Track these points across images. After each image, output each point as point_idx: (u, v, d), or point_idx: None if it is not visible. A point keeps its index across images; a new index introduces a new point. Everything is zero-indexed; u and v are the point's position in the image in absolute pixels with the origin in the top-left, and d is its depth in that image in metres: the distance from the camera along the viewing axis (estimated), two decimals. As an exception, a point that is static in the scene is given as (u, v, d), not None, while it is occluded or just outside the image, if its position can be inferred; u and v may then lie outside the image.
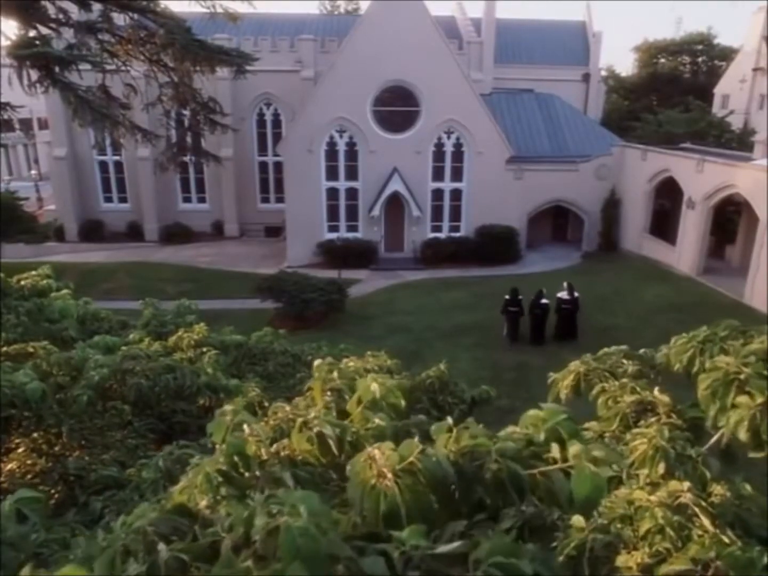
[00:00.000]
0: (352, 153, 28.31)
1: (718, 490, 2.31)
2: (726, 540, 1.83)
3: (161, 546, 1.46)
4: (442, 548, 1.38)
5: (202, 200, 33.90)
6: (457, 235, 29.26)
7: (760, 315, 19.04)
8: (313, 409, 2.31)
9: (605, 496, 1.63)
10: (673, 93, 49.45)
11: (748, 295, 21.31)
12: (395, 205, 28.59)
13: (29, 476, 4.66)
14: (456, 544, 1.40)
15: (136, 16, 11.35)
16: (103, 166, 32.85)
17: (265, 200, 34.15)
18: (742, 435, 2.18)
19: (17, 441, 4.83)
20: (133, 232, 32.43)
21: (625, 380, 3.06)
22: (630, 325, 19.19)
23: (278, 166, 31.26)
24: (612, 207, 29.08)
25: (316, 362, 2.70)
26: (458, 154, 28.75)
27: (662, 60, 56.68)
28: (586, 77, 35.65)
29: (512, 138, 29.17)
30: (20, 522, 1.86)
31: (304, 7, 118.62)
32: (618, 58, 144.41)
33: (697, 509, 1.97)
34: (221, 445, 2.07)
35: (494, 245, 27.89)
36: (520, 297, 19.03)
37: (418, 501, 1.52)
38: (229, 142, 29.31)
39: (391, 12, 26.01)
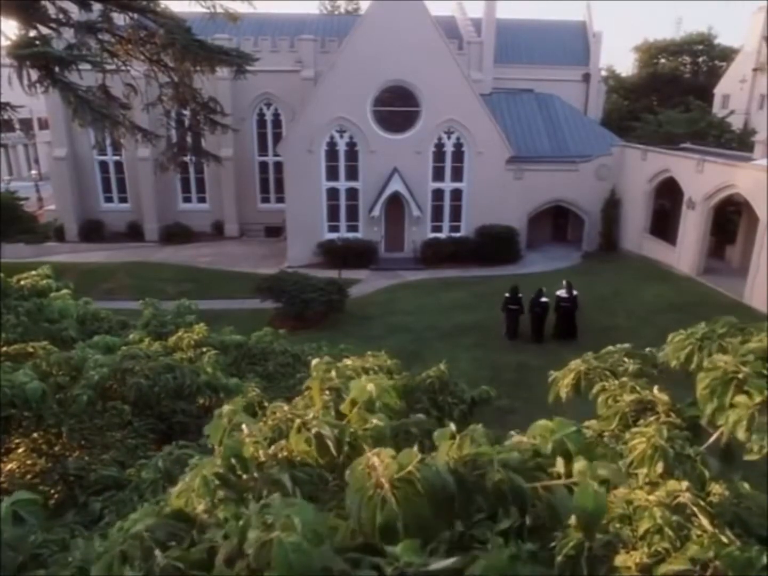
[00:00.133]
0: (352, 153, 28.31)
1: (716, 489, 2.31)
2: (725, 540, 1.83)
3: (157, 552, 1.46)
4: (436, 565, 1.36)
5: (202, 200, 33.91)
6: (458, 235, 29.26)
7: (760, 315, 19.03)
8: (311, 409, 2.31)
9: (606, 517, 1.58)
10: (673, 93, 49.46)
11: (748, 295, 21.31)
12: (395, 205, 28.59)
13: (29, 476, 4.66)
14: (451, 560, 1.38)
15: (136, 16, 11.36)
16: (103, 166, 32.87)
17: (266, 200, 34.16)
18: (741, 435, 2.18)
19: (17, 441, 4.83)
20: (133, 232, 32.44)
21: (625, 379, 3.06)
22: (630, 325, 19.19)
23: (278, 166, 31.26)
24: (612, 207, 29.08)
25: (314, 361, 2.70)
26: (458, 154, 28.75)
27: (662, 60, 56.68)
28: (586, 77, 35.65)
29: (512, 138, 29.17)
30: (17, 524, 1.86)
31: (304, 7, 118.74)
32: (618, 58, 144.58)
33: (695, 509, 1.96)
34: (219, 447, 2.07)
35: (494, 245, 27.90)
36: (520, 295, 19.14)
37: (415, 513, 1.47)
38: (229, 142, 29.32)
39: (391, 12, 26.02)
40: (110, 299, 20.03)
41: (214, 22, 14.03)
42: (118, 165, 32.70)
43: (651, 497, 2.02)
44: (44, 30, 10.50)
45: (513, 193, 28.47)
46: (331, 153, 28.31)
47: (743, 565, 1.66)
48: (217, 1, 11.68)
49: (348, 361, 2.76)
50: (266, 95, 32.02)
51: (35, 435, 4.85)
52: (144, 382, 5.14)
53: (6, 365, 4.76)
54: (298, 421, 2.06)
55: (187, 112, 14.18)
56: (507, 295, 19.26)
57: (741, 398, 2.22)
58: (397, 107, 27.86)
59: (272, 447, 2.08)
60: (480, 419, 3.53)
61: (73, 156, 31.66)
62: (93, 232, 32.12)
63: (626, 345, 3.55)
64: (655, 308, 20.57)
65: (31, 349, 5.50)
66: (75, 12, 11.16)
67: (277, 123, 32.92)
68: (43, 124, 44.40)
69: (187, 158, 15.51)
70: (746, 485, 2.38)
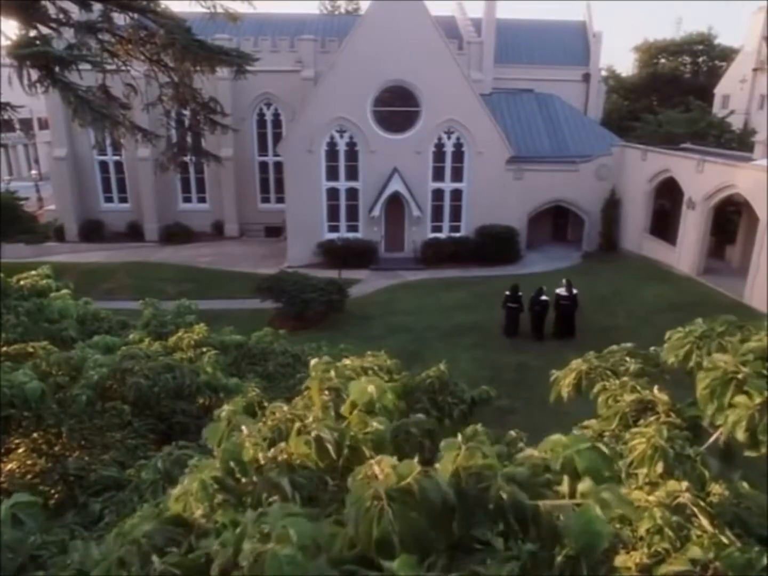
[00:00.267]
0: (352, 153, 28.31)
1: (716, 489, 2.31)
2: (725, 540, 1.83)
3: (155, 558, 1.46)
4: None
5: (202, 200, 33.90)
6: (458, 235, 29.25)
7: (760, 315, 19.03)
8: (311, 409, 2.30)
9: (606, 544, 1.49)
10: (673, 93, 49.45)
11: (748, 295, 21.31)
12: (395, 205, 28.58)
13: (29, 476, 4.65)
14: None
15: (136, 16, 11.35)
16: (103, 166, 32.86)
17: (266, 200, 34.15)
18: (740, 435, 2.17)
19: (17, 441, 4.83)
20: (133, 232, 32.44)
21: (625, 379, 3.05)
22: (630, 325, 19.18)
23: (278, 166, 31.25)
24: (612, 207, 29.07)
25: (313, 361, 2.69)
26: (458, 154, 28.75)
27: (662, 60, 56.67)
28: (586, 77, 35.65)
29: (512, 138, 29.17)
30: (17, 526, 1.86)
31: (304, 7, 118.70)
32: (618, 58, 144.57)
33: (695, 509, 1.96)
34: (218, 448, 2.06)
35: (494, 245, 27.90)
36: (521, 293, 19.23)
37: (412, 527, 1.45)
38: (229, 142, 29.31)
39: (391, 12, 26.01)
40: (110, 299, 20.04)
41: (214, 22, 14.01)
42: (118, 165, 32.69)
43: (651, 497, 2.02)
44: (44, 30, 10.50)
45: (513, 193, 28.47)
46: (331, 153, 28.31)
47: (743, 566, 1.65)
48: (217, 1, 11.67)
49: (347, 361, 2.75)
50: (266, 95, 32.02)
51: (35, 435, 4.85)
52: (143, 382, 5.14)
53: (6, 365, 4.76)
54: (298, 423, 2.05)
55: (187, 112, 14.15)
56: (507, 293, 19.38)
57: (741, 399, 2.21)
58: (397, 107, 27.85)
59: (272, 450, 2.07)
60: (480, 419, 3.52)
61: (73, 156, 31.66)
62: (93, 232, 32.12)
63: (628, 344, 3.54)
64: (655, 308, 20.56)
65: (31, 349, 5.50)
66: (75, 12, 11.14)
67: (277, 123, 32.91)
68: (43, 124, 44.40)
69: (187, 158, 15.49)
70: (746, 485, 2.38)
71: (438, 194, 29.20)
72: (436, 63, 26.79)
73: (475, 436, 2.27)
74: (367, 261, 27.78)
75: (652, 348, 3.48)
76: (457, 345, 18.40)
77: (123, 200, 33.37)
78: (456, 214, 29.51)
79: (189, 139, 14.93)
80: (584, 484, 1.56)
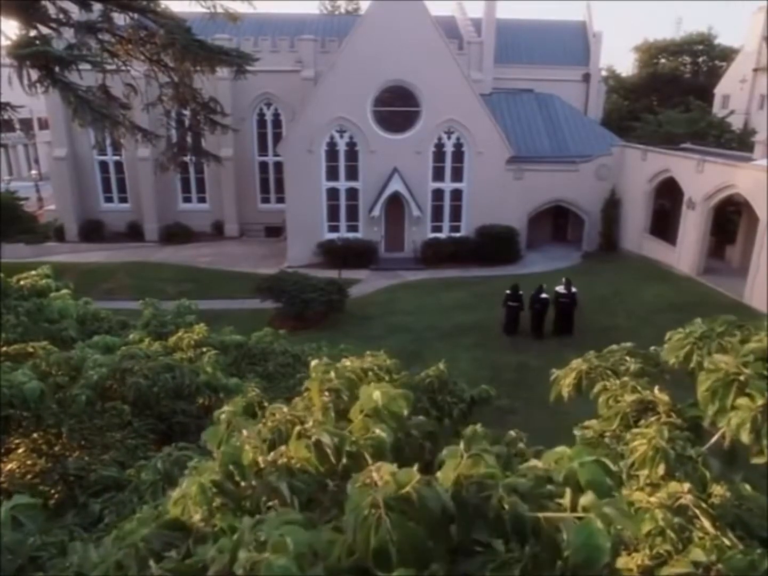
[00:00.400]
0: (352, 153, 28.30)
1: (718, 490, 2.30)
2: (727, 542, 1.82)
3: (152, 563, 1.45)
4: None
5: (202, 200, 33.90)
6: (458, 235, 29.26)
7: (760, 315, 19.03)
8: (311, 411, 2.29)
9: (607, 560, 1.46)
10: (673, 93, 49.44)
11: (748, 295, 21.30)
12: (395, 205, 28.58)
13: (29, 476, 4.65)
14: None
15: (136, 16, 11.34)
16: (104, 166, 32.86)
17: (266, 200, 34.15)
18: (745, 437, 2.16)
19: (17, 441, 4.82)
20: (133, 232, 32.43)
21: (626, 379, 3.04)
22: (630, 324, 19.19)
23: (278, 166, 31.25)
24: (612, 207, 29.07)
25: (313, 362, 2.68)
26: (458, 154, 28.74)
27: (662, 60, 56.67)
28: (586, 77, 35.65)
29: (512, 138, 29.16)
30: (17, 528, 1.86)
31: (304, 7, 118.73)
32: (618, 58, 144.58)
33: (697, 511, 1.95)
34: (218, 449, 2.05)
35: (494, 245, 27.90)
36: (521, 292, 19.34)
37: (410, 539, 1.42)
38: (229, 142, 29.31)
39: (391, 12, 26.01)
40: (110, 299, 20.03)
41: (214, 22, 14.01)
42: (118, 165, 32.69)
43: (652, 499, 2.01)
44: (44, 30, 10.49)
45: (513, 193, 28.46)
46: (331, 153, 28.30)
47: (745, 569, 1.65)
48: (217, 1, 11.67)
49: (347, 362, 2.74)
50: (266, 95, 32.02)
51: (35, 435, 4.85)
52: (143, 381, 5.13)
53: (6, 365, 4.75)
54: (298, 427, 2.03)
55: (187, 112, 14.15)
56: (508, 292, 19.51)
57: (743, 400, 2.21)
58: (397, 107, 27.85)
59: (272, 453, 2.06)
60: (480, 419, 3.52)
61: (73, 156, 31.65)
62: (93, 232, 32.12)
63: (628, 344, 3.53)
64: (655, 308, 20.56)
65: (30, 349, 5.49)
66: (75, 12, 11.14)
67: (277, 123, 32.91)
68: (43, 124, 44.40)
69: (187, 158, 15.49)
70: (747, 487, 2.37)
71: (438, 194, 29.19)
72: (436, 63, 26.79)
73: (474, 438, 2.26)
74: (367, 261, 27.78)
75: (651, 348, 3.48)
76: (457, 345, 18.40)
77: (123, 200, 33.36)
78: (456, 214, 29.51)
79: (189, 139, 14.93)
80: (586, 498, 1.54)
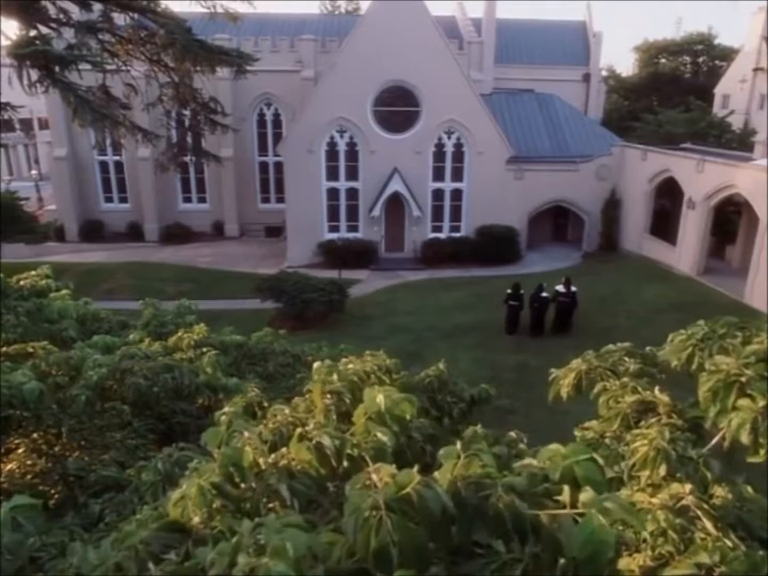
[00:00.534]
0: (352, 153, 28.30)
1: (719, 491, 2.30)
2: (729, 543, 1.81)
3: (151, 565, 1.44)
4: None
5: (202, 200, 33.90)
6: (458, 235, 29.25)
7: (761, 315, 19.02)
8: (313, 413, 2.28)
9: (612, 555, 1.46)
10: (673, 93, 49.43)
11: (749, 295, 21.30)
12: (395, 205, 28.57)
13: (29, 476, 4.64)
14: None
15: (136, 16, 11.34)
16: (104, 166, 32.85)
17: (266, 200, 34.15)
18: (745, 438, 2.16)
19: (17, 441, 4.82)
20: (133, 232, 32.43)
21: (626, 379, 3.04)
22: (630, 324, 19.18)
23: (278, 166, 31.24)
24: (612, 207, 29.07)
25: (316, 364, 2.68)
26: (458, 154, 28.74)
27: (662, 60, 56.67)
28: (587, 77, 35.65)
29: (512, 138, 29.16)
30: (16, 528, 1.85)
31: (304, 7, 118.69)
32: (618, 58, 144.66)
33: (699, 512, 1.95)
34: (218, 451, 2.04)
35: (494, 245, 27.90)
36: (522, 292, 19.41)
37: (411, 540, 1.42)
38: (230, 142, 29.29)
39: (392, 12, 26.00)
40: (110, 299, 20.04)
41: (214, 22, 13.99)
42: (118, 165, 32.69)
43: (654, 500, 2.01)
44: (44, 30, 10.48)
45: (513, 193, 28.46)
46: (331, 153, 28.29)
47: (748, 570, 1.64)
48: (217, 1, 11.68)
49: (349, 364, 2.74)
50: (266, 95, 32.01)
51: (35, 435, 4.84)
52: (143, 382, 5.13)
53: (5, 365, 4.75)
54: (299, 429, 2.03)
55: (187, 112, 14.13)
56: (509, 291, 19.56)
57: (744, 402, 2.20)
58: (397, 107, 27.84)
59: (272, 455, 2.05)
60: (480, 419, 3.52)
61: (73, 156, 31.65)
62: (93, 232, 32.12)
63: (626, 344, 3.52)
64: (656, 308, 20.56)
65: (30, 349, 5.49)
66: (75, 12, 11.13)
67: (277, 123, 32.91)
68: (43, 124, 44.40)
69: (187, 158, 15.49)
70: (749, 488, 2.37)
71: (438, 194, 29.19)
72: (437, 63, 26.78)
73: (474, 439, 2.25)
74: (367, 261, 27.77)
75: (648, 348, 3.47)
76: (457, 345, 18.40)
77: (123, 200, 33.36)
78: (456, 214, 29.50)
79: (189, 139, 14.93)
80: (586, 494, 1.53)
